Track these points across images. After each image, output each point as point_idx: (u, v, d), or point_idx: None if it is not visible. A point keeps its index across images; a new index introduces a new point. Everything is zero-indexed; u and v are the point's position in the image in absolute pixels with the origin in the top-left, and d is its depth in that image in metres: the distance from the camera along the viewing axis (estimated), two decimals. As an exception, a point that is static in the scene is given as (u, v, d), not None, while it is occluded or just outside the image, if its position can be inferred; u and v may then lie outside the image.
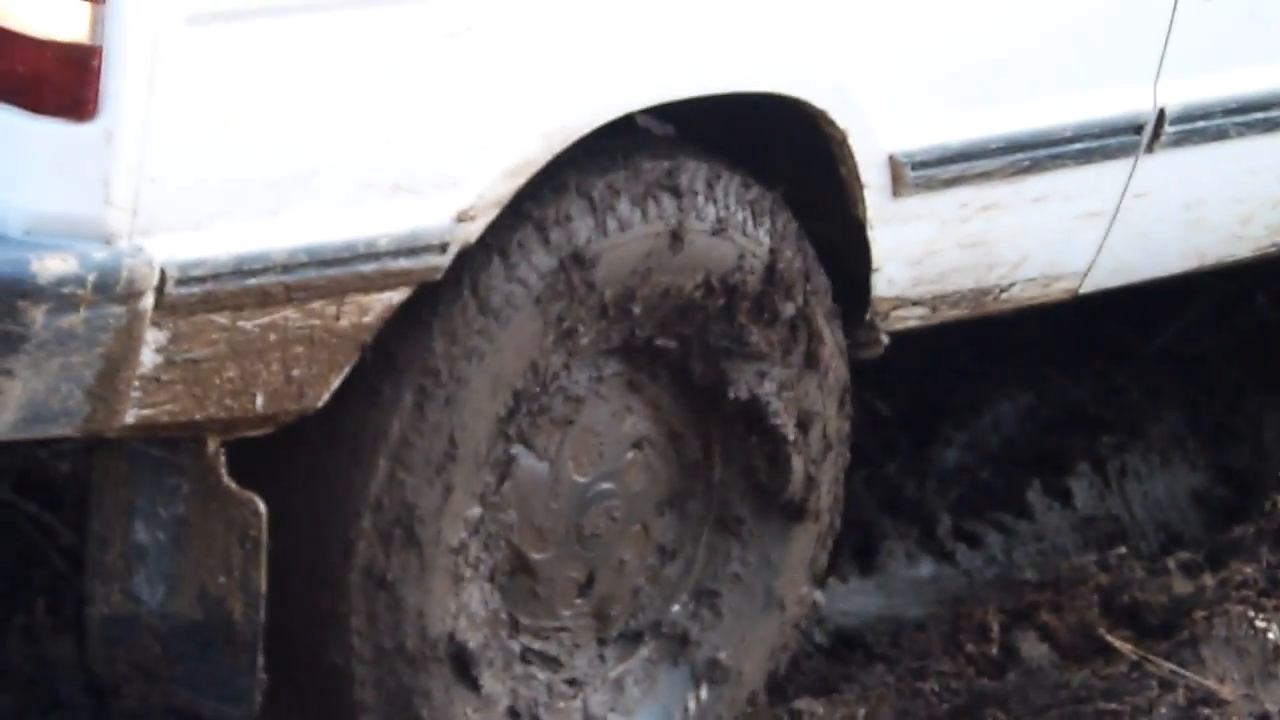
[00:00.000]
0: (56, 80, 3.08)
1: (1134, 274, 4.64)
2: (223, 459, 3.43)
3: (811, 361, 3.96)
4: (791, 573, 4.16)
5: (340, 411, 3.58)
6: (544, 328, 3.66)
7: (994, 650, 4.65)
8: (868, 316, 4.11)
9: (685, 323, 3.84)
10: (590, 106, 3.54)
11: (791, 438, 4.02)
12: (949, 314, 4.36)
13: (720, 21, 3.68)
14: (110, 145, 3.08)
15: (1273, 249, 4.77)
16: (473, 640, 3.79)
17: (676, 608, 4.08)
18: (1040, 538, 5.19)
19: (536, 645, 4.01)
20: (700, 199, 3.72)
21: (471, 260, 3.58)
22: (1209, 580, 4.76)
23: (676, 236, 3.70)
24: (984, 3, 4.07)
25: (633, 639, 4.08)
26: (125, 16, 3.03)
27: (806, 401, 4.02)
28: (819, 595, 4.35)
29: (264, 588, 3.45)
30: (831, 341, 4.03)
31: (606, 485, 3.91)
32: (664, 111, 3.76)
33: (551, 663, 4.02)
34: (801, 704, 4.36)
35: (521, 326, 3.62)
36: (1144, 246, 4.55)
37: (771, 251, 3.81)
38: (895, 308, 4.17)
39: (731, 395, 3.90)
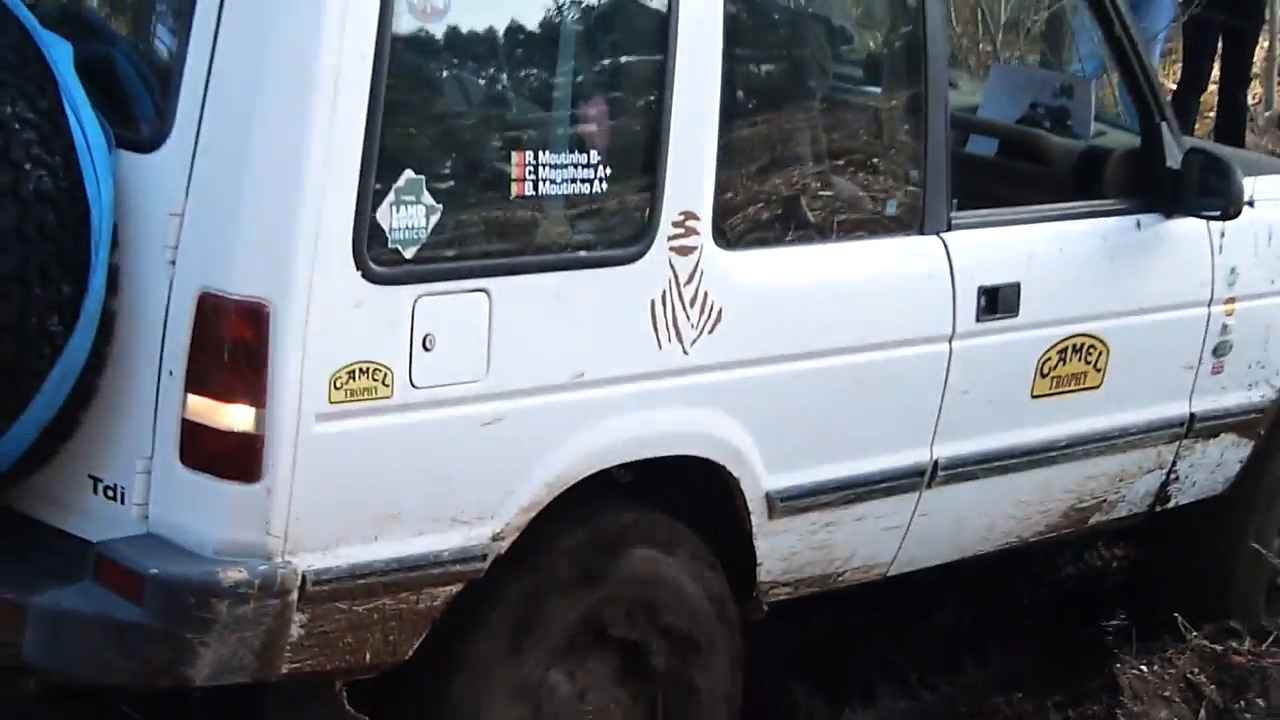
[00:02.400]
0: (235, 457, 3.33)
1: (921, 563, 4.68)
2: (344, 693, 3.61)
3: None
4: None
5: None
6: None
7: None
8: (754, 594, 4.21)
9: None
10: (575, 467, 3.74)
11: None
12: (805, 591, 4.41)
13: (654, 414, 3.89)
14: (269, 498, 3.33)
15: (1006, 545, 4.88)
16: None
17: None
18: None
19: None
20: None
21: None
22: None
23: None
24: (823, 400, 4.21)
25: None
26: (278, 416, 3.30)
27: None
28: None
29: None
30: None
31: None
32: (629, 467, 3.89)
33: None
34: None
35: None
36: (926, 546, 4.62)
37: None
38: (771, 588, 4.26)
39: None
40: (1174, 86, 9.88)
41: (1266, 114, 10.87)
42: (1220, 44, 9.69)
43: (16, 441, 3.44)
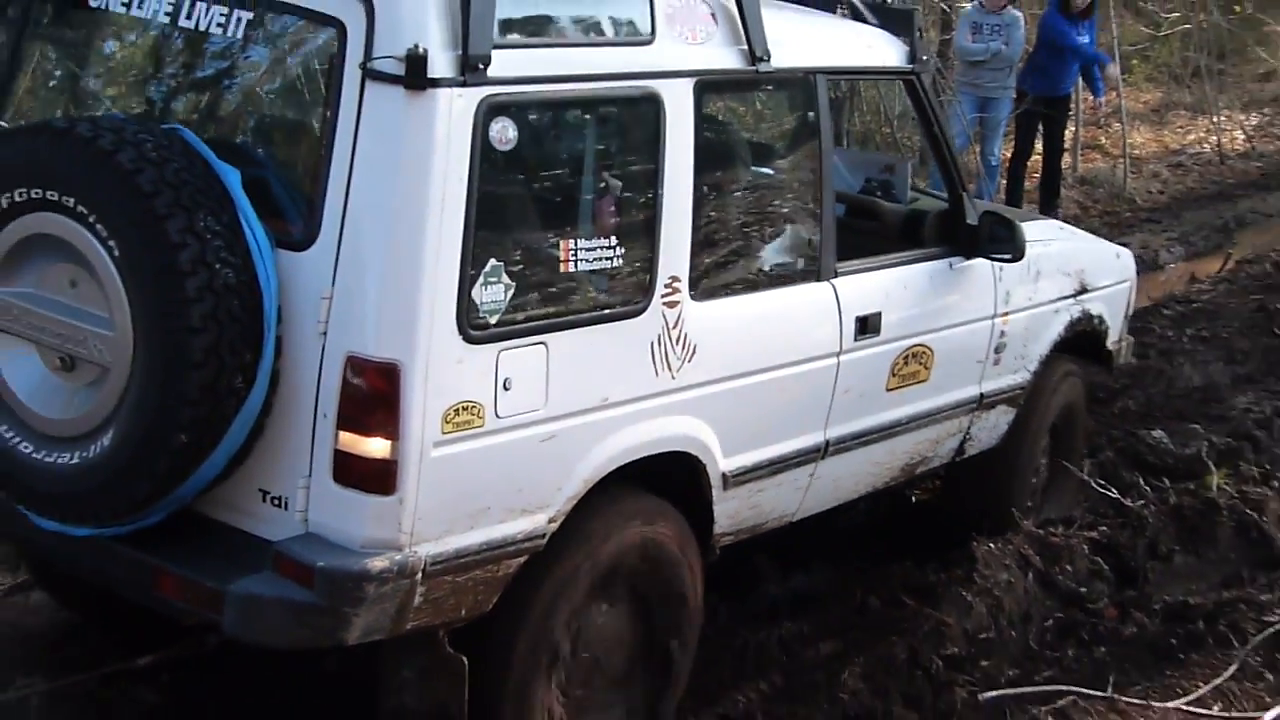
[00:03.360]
0: (377, 478, 3.52)
1: (813, 510, 4.97)
2: (446, 637, 3.82)
3: None
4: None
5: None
6: None
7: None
8: (710, 542, 4.46)
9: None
10: (603, 467, 4.00)
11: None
12: (742, 537, 4.67)
13: (654, 423, 4.16)
14: (401, 506, 3.53)
15: (866, 491, 5.29)
16: None
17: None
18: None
19: None
20: None
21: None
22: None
23: None
24: (760, 403, 4.49)
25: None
26: (407, 446, 3.49)
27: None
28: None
29: (466, 700, 3.86)
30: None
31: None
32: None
33: None
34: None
35: None
36: (816, 499, 4.92)
37: None
38: (722, 536, 4.51)
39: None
40: (1010, 156, 10.71)
41: (1073, 175, 11.70)
42: (1041, 128, 10.53)
43: (211, 467, 3.59)
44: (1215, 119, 13.08)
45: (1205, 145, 12.91)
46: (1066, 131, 10.98)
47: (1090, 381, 6.87)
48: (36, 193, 3.55)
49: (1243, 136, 13.18)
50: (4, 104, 4.06)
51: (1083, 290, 5.94)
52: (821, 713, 4.95)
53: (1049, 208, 10.27)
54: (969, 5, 10.26)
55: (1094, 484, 6.35)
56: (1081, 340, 6.03)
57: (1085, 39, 10.16)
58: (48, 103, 4.19)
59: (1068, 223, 8.52)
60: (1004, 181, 10.50)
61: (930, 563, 5.72)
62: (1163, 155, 12.71)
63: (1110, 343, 6.24)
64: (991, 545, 5.68)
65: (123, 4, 3.92)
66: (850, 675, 5.08)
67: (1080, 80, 10.42)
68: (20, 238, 3.63)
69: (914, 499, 6.36)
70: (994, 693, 5.06)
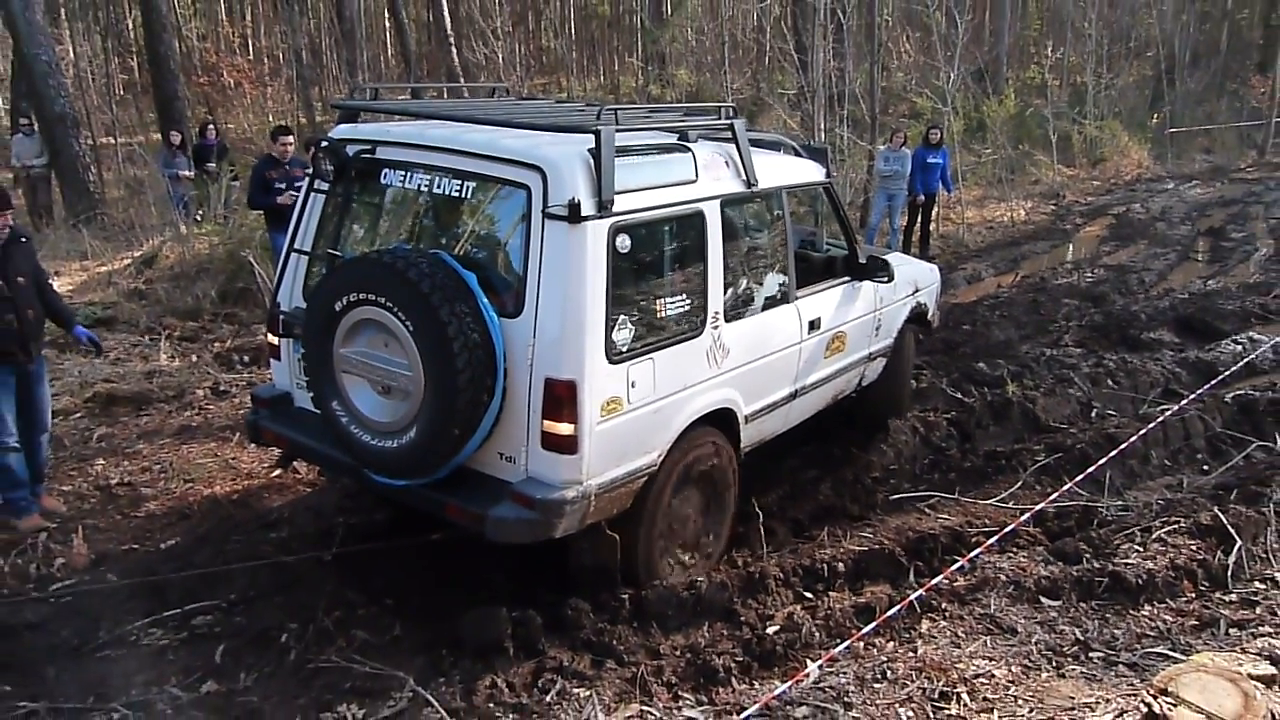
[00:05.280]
0: (567, 445, 3.88)
1: (788, 428, 5.14)
2: (605, 524, 4.09)
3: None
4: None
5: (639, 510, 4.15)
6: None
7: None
8: (739, 452, 4.65)
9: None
10: (684, 422, 4.25)
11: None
12: (755, 447, 4.84)
13: (711, 394, 4.41)
14: (581, 459, 3.88)
15: (813, 414, 5.42)
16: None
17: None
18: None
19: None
20: None
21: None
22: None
23: None
24: (764, 374, 4.73)
25: None
26: (583, 426, 3.83)
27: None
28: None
29: (620, 556, 4.19)
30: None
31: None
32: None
33: None
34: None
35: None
36: (790, 421, 5.17)
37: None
38: (745, 449, 4.70)
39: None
40: (905, 225, 12.19)
41: (938, 233, 13.22)
42: (921, 209, 12.27)
43: (472, 445, 4.00)
44: (1010, 204, 15.50)
45: (1005, 218, 14.97)
46: (934, 211, 12.89)
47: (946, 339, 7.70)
48: (362, 296, 3.96)
49: (1023, 214, 15.54)
50: (339, 241, 4.44)
51: (916, 290, 6.28)
52: (808, 505, 5.55)
53: (925, 250, 12.10)
54: (882, 147, 12.25)
55: (948, 391, 7.05)
56: (915, 317, 6.38)
57: (940, 160, 12.07)
58: (360, 239, 4.47)
59: (936, 258, 10.54)
60: (901, 238, 12.01)
61: (865, 430, 6.34)
62: (983, 223, 14.74)
63: (929, 317, 6.55)
64: (898, 421, 6.40)
65: (399, 181, 4.33)
66: (823, 487, 5.74)
67: (941, 184, 12.20)
68: (355, 321, 4.02)
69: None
70: (897, 495, 5.71)
